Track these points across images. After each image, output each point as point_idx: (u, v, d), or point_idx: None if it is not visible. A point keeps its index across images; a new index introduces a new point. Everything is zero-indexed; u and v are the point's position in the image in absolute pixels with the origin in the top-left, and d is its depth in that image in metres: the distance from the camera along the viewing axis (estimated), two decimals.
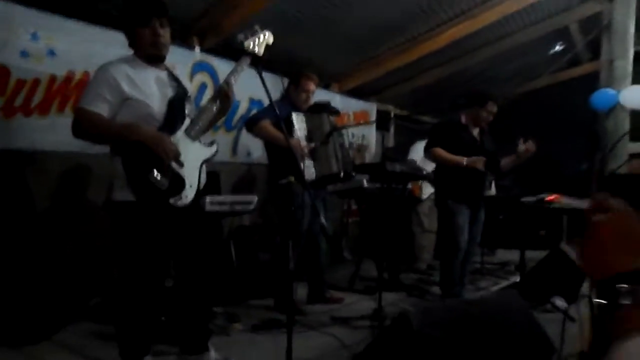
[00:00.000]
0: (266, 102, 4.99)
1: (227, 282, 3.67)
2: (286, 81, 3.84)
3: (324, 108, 3.69)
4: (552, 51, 5.84)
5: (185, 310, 2.50)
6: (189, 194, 2.26)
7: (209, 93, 4.53)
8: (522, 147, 3.66)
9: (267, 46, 2.46)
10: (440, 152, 3.69)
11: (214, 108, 2.39)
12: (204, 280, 2.44)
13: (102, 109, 2.14)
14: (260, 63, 2.39)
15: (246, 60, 2.42)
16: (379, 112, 6.81)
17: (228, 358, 2.53)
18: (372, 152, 6.64)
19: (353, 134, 6.11)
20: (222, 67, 4.62)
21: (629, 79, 4.19)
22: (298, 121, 3.45)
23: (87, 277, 3.47)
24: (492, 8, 5.09)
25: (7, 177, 3.16)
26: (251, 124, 3.62)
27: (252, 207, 3.53)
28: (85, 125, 2.17)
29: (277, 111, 2.47)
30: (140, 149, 2.13)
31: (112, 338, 2.85)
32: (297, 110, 3.60)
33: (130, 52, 2.35)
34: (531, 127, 7.30)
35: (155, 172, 2.14)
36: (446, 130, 3.77)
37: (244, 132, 4.99)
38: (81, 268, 3.47)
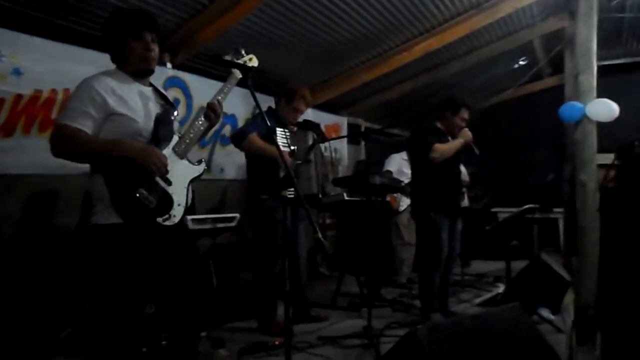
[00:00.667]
0: (239, 116, 5.02)
1: (208, 303, 3.54)
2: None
3: (311, 127, 3.64)
4: (516, 65, 6.02)
5: (173, 339, 2.36)
6: (177, 213, 2.15)
7: (181, 109, 4.43)
8: None
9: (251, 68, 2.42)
10: (443, 146, 3.61)
11: (202, 125, 2.32)
12: (190, 304, 2.32)
13: (86, 126, 2.01)
14: (249, 76, 2.33)
15: (235, 78, 2.37)
16: (349, 125, 6.85)
17: None
18: (344, 165, 6.65)
19: (326, 148, 6.10)
20: (195, 82, 4.56)
21: (594, 92, 4.31)
22: (282, 137, 3.38)
23: (57, 306, 3.27)
24: (460, 23, 5.19)
25: None
26: (239, 138, 3.50)
27: (234, 224, 3.44)
28: (68, 143, 2.01)
29: (268, 123, 2.39)
30: (126, 164, 2.00)
31: None
32: (282, 125, 3.53)
33: (112, 66, 2.24)
34: (499, 139, 7.57)
35: (143, 189, 2.03)
36: (431, 134, 3.71)
37: (217, 148, 4.94)
38: (50, 297, 3.27)
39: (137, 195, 2.01)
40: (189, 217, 3.00)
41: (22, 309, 2.97)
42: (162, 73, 4.23)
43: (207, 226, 3.16)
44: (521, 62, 6.07)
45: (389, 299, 4.42)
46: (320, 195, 3.63)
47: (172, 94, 4.35)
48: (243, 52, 2.41)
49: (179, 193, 2.17)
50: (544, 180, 7.02)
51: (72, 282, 3.34)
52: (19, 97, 3.30)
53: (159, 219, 2.08)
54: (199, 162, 2.33)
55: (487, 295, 4.59)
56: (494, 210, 6.35)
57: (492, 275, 5.34)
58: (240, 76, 2.36)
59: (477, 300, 4.44)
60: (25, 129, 3.37)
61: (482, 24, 5.24)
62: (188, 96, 4.51)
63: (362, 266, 4.28)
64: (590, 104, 4.31)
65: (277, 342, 3.13)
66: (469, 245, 5.23)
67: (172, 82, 4.36)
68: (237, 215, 3.42)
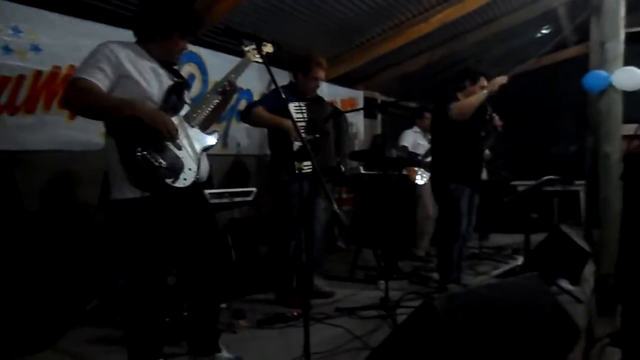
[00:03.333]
0: (255, 91, 5.00)
1: (228, 276, 3.60)
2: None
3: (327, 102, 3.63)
4: (539, 34, 5.83)
5: (194, 309, 2.42)
6: (187, 176, 2.17)
7: (197, 84, 4.43)
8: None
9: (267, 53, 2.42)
10: (463, 101, 3.58)
11: (215, 100, 2.34)
12: (212, 276, 2.36)
13: (101, 82, 2.02)
14: (262, 49, 2.31)
15: (249, 60, 2.40)
16: (366, 99, 6.79)
17: (240, 357, 2.46)
18: (361, 139, 6.61)
19: None
20: (210, 57, 4.54)
21: (620, 60, 4.14)
22: (297, 111, 3.37)
23: (83, 279, 3.35)
24: None
25: None
26: (245, 113, 3.55)
27: (250, 198, 3.45)
28: (82, 96, 2.01)
29: (283, 96, 2.37)
30: (136, 125, 2.02)
31: (116, 342, 2.78)
32: (301, 99, 3.50)
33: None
34: (520, 110, 7.40)
35: (152, 150, 2.06)
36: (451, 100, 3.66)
37: (233, 123, 4.95)
38: (76, 270, 3.35)
39: (145, 153, 2.04)
40: (206, 192, 3.04)
41: (50, 283, 3.04)
42: None
43: (224, 200, 3.18)
44: (544, 31, 5.87)
45: (406, 272, 4.43)
46: (342, 169, 3.63)
47: (187, 69, 4.34)
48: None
49: (190, 158, 2.21)
50: (565, 152, 6.89)
51: (97, 255, 3.42)
52: (38, 73, 3.33)
53: (168, 180, 2.10)
54: (212, 132, 2.37)
55: (506, 267, 4.57)
56: (513, 183, 6.26)
57: (510, 248, 5.30)
58: (254, 60, 2.37)
59: (495, 272, 4.42)
60: (46, 105, 3.41)
61: None
62: (204, 72, 4.49)
63: (379, 240, 4.29)
64: (616, 72, 4.16)
65: (295, 314, 3.18)
66: (487, 219, 5.19)
67: (187, 57, 4.33)
68: (254, 189, 3.43)
